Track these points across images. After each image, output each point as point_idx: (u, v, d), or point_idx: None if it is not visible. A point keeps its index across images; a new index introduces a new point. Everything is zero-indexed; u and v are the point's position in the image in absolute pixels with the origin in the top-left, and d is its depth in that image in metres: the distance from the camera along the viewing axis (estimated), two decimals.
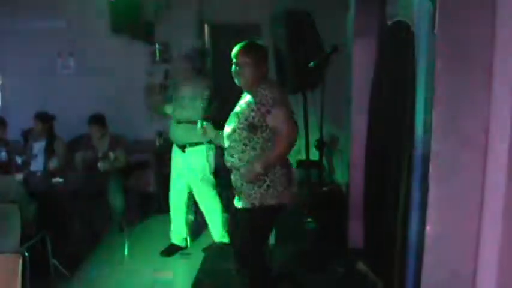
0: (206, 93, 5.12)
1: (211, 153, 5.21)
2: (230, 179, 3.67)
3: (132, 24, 6.67)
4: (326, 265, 4.81)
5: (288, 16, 5.04)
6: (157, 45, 7.35)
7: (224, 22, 7.17)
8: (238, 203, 3.61)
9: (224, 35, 6.97)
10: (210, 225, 5.51)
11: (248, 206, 3.50)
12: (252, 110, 3.40)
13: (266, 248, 3.77)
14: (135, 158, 6.80)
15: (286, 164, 3.58)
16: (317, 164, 5.46)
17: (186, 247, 5.59)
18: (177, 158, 5.43)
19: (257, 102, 3.40)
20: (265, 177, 3.42)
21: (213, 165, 5.27)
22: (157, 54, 7.41)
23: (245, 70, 3.47)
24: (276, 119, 3.36)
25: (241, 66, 3.47)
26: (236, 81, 3.55)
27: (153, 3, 6.96)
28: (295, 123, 3.51)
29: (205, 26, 7.39)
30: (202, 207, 5.48)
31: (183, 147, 5.27)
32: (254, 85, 3.48)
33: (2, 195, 4.05)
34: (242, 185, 3.50)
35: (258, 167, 3.38)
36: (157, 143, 7.13)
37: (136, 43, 7.13)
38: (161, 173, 7.25)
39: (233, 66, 3.53)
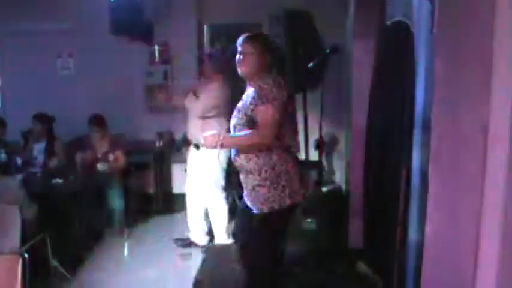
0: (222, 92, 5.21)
1: (224, 155, 5.14)
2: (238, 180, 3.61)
3: (131, 24, 6.66)
4: (326, 265, 4.81)
5: (287, 15, 5.03)
6: (156, 46, 7.35)
7: (223, 22, 7.16)
8: (252, 207, 3.47)
9: (223, 35, 6.98)
10: (214, 225, 5.52)
11: (266, 210, 3.37)
12: (251, 104, 3.31)
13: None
14: (135, 159, 6.81)
15: (296, 163, 3.47)
16: (317, 164, 5.45)
17: (205, 245, 5.62)
18: (192, 157, 5.48)
19: (257, 95, 3.30)
20: (279, 179, 3.34)
21: (225, 166, 5.28)
22: (157, 55, 7.40)
23: (247, 59, 3.40)
24: (260, 113, 3.25)
25: (244, 54, 3.41)
26: (238, 70, 3.46)
27: (153, 4, 6.95)
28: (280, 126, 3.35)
29: (205, 26, 7.39)
30: (208, 207, 5.50)
31: (197, 146, 5.32)
32: (256, 76, 3.41)
33: (2, 196, 4.05)
34: (254, 188, 3.40)
35: (218, 145, 3.32)
36: (157, 144, 7.13)
37: (136, 43, 7.12)
38: (161, 173, 7.28)
39: (237, 55, 3.46)
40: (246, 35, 3.47)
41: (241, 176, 3.53)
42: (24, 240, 4.14)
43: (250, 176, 3.41)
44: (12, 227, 3.99)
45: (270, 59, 3.46)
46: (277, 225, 3.48)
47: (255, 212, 3.46)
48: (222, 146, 3.35)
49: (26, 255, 3.90)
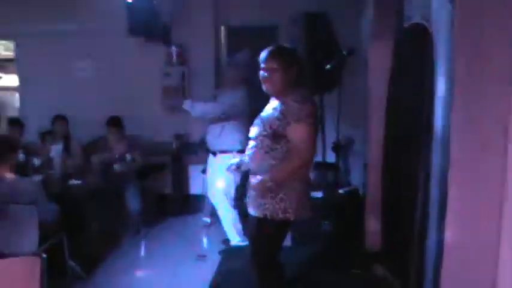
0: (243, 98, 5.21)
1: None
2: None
3: (148, 25, 6.68)
4: (342, 267, 4.78)
5: (305, 18, 5.02)
6: (173, 47, 7.36)
7: (241, 24, 7.16)
8: (250, 209, 3.49)
9: (241, 37, 6.98)
10: (226, 229, 5.51)
11: (259, 215, 3.37)
12: (278, 119, 3.24)
13: (280, 251, 3.66)
14: (152, 160, 6.83)
15: (304, 180, 3.42)
16: (333, 166, 5.43)
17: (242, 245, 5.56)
18: (210, 162, 5.49)
19: (284, 110, 3.24)
20: (279, 190, 3.29)
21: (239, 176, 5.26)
22: (174, 56, 7.41)
23: (273, 76, 3.30)
24: (296, 134, 3.22)
25: (269, 71, 3.31)
26: (263, 87, 3.38)
27: (170, 5, 6.96)
28: (315, 142, 3.35)
29: (222, 28, 7.39)
30: (219, 210, 5.49)
31: (213, 153, 5.33)
32: (283, 92, 3.32)
33: (20, 197, 4.06)
34: (254, 189, 3.38)
35: (269, 182, 3.27)
36: (174, 146, 7.14)
37: (153, 45, 7.13)
38: (178, 175, 7.29)
39: (261, 72, 3.36)
40: (270, 50, 3.35)
41: (250, 176, 3.51)
42: (42, 240, 4.15)
43: (255, 177, 3.38)
44: (30, 228, 4.00)
45: (296, 73, 3.35)
46: (269, 233, 3.45)
47: (250, 212, 3.49)
48: (275, 182, 3.30)
49: (44, 256, 3.91)
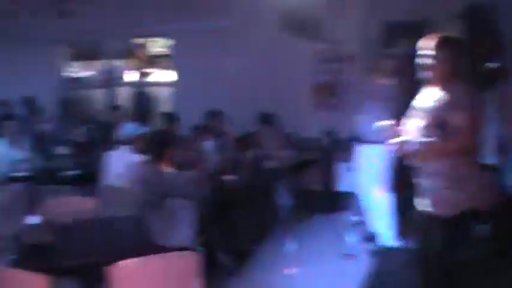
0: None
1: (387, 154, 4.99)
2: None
3: (299, 22, 6.69)
4: (503, 275, 4.53)
5: (467, 12, 4.84)
6: (324, 44, 7.32)
7: (395, 19, 6.98)
8: (432, 209, 3.27)
9: (394, 32, 6.82)
10: (379, 227, 5.41)
11: (452, 213, 3.17)
12: (444, 109, 3.12)
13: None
14: (301, 156, 6.85)
15: (477, 167, 3.25)
16: (492, 168, 5.16)
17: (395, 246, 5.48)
18: (359, 154, 5.46)
19: (450, 100, 3.12)
20: (458, 182, 3.14)
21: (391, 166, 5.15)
22: (324, 53, 7.38)
23: (440, 64, 3.19)
24: (461, 121, 3.05)
25: (437, 59, 3.20)
26: (424, 74, 3.27)
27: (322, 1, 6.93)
28: (479, 131, 3.16)
29: (375, 22, 7.24)
30: (373, 207, 5.40)
31: (362, 143, 5.28)
32: (448, 82, 3.19)
33: (177, 191, 4.18)
34: (437, 190, 3.21)
35: (442, 174, 3.15)
36: (324, 142, 7.12)
37: (304, 41, 7.14)
38: (327, 171, 7.27)
39: (424, 60, 3.25)
40: (439, 37, 3.23)
41: (422, 178, 3.33)
42: (197, 235, 4.25)
43: (434, 178, 3.23)
44: (186, 222, 4.12)
45: (462, 62, 3.23)
46: (454, 230, 3.21)
47: (435, 214, 3.26)
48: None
49: (201, 250, 4.01)
